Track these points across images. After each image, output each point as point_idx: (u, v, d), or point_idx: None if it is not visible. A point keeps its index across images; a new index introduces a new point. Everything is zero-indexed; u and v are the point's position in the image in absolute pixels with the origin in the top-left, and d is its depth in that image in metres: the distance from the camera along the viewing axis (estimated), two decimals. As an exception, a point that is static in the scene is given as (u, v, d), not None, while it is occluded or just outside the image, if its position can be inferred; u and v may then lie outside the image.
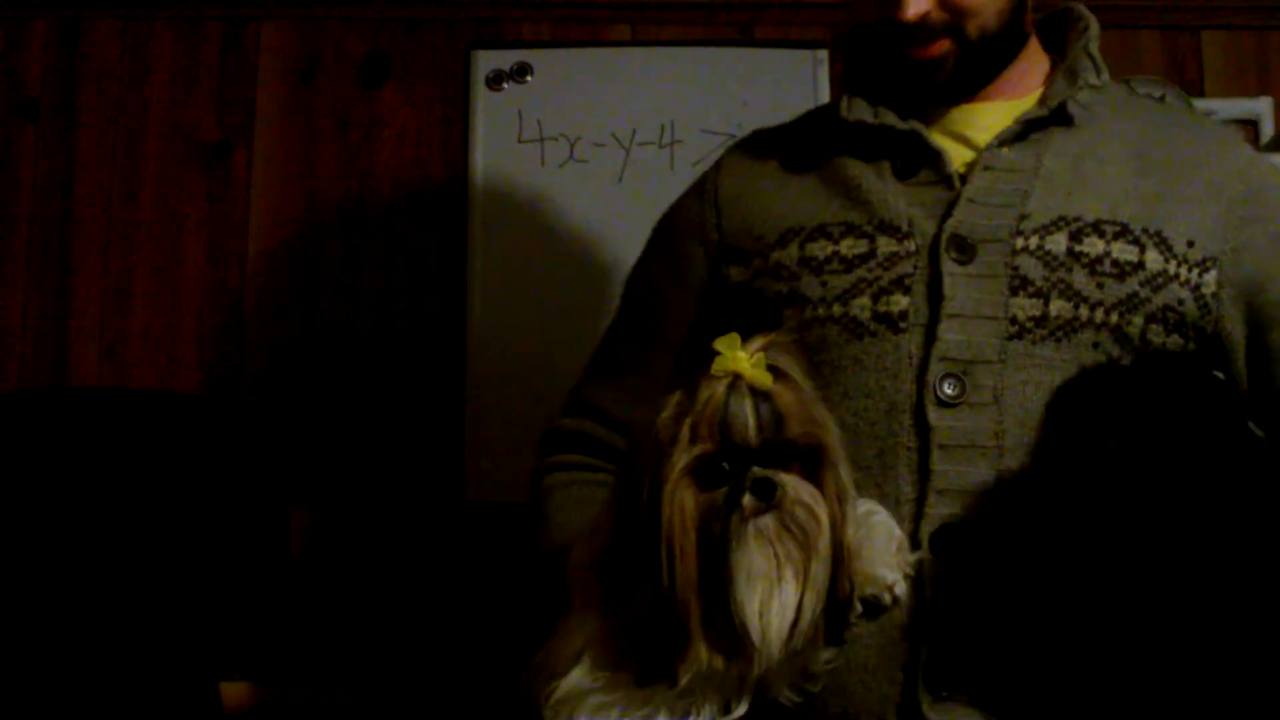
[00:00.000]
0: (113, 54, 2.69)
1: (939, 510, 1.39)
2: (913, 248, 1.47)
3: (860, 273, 1.48)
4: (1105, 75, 1.55)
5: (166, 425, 2.27)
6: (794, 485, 1.20)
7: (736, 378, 1.20)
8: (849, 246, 1.49)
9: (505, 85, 2.66)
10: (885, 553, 1.31)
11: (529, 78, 2.67)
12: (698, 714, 1.27)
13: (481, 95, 2.66)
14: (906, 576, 1.34)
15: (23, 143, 2.67)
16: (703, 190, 1.66)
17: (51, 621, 2.05)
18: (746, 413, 1.19)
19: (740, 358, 1.20)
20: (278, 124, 2.68)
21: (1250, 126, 2.63)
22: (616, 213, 2.58)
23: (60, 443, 2.19)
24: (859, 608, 1.30)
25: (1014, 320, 1.43)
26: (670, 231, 1.68)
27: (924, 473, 1.40)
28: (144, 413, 2.30)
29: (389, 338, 2.63)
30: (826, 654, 1.28)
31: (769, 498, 1.19)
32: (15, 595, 2.06)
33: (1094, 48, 1.56)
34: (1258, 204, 1.51)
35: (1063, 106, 1.51)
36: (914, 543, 1.38)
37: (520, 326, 2.59)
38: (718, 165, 1.68)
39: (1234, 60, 2.67)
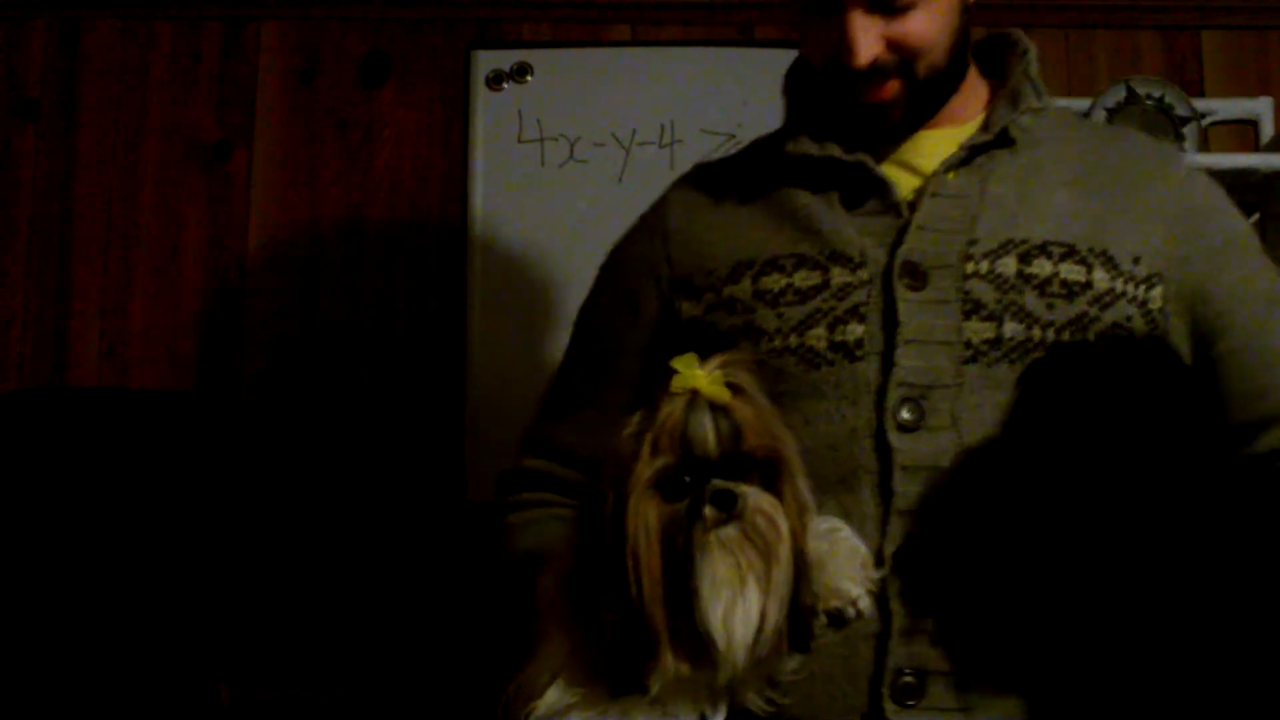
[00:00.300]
0: (113, 54, 2.70)
1: (902, 530, 1.40)
2: (866, 276, 1.47)
3: (815, 303, 1.47)
4: (1046, 98, 1.55)
5: (166, 425, 2.28)
6: (754, 496, 1.21)
7: (695, 393, 1.21)
8: (802, 278, 1.49)
9: (505, 85, 2.67)
10: (849, 567, 1.31)
11: (529, 78, 2.67)
12: (673, 723, 1.28)
13: (481, 95, 2.67)
14: (870, 592, 1.34)
15: (23, 143, 2.69)
16: (651, 225, 1.65)
17: (52, 621, 2.06)
18: (705, 426, 1.20)
19: (698, 374, 1.21)
20: (278, 124, 2.69)
21: (1250, 126, 2.62)
22: (616, 213, 2.52)
23: (60, 443, 2.20)
24: (824, 619, 1.31)
25: (968, 344, 1.43)
26: (620, 267, 1.67)
27: (886, 494, 1.41)
28: (143, 413, 2.31)
29: (389, 338, 2.64)
30: (792, 662, 1.28)
31: (730, 508, 1.20)
32: (15, 595, 2.07)
33: (1034, 71, 1.56)
34: (1198, 218, 1.51)
35: (1005, 131, 1.51)
36: (878, 561, 1.38)
37: (520, 326, 2.60)
38: (665, 200, 1.67)
39: (1234, 60, 2.66)
